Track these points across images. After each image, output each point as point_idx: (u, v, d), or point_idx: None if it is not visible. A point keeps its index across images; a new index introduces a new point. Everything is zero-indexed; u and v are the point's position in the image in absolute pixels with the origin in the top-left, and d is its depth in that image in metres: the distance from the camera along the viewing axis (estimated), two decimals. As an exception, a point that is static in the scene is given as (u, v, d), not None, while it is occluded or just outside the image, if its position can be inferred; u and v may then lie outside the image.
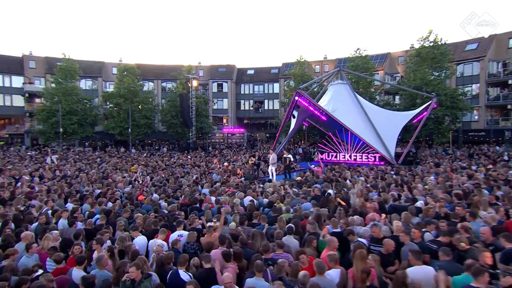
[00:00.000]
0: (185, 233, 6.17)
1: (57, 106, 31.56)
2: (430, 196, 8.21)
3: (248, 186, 10.52)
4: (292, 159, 16.13)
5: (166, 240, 6.03)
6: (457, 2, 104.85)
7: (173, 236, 6.16)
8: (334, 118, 18.52)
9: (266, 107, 47.56)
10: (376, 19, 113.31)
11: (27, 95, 37.90)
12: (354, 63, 31.29)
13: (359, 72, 28.37)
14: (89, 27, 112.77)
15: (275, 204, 8.35)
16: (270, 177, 14.88)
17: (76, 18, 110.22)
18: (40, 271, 4.76)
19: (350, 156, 20.60)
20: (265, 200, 8.90)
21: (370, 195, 9.18)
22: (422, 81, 25.59)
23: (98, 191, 10.35)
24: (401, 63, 38.29)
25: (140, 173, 13.44)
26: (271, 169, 14.98)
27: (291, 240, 5.79)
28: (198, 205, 8.44)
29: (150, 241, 5.90)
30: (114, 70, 42.12)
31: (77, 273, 4.71)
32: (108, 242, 5.83)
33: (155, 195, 9.42)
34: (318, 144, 24.76)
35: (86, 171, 15.54)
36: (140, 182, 12.05)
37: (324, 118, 19.14)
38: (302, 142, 35.92)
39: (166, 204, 8.74)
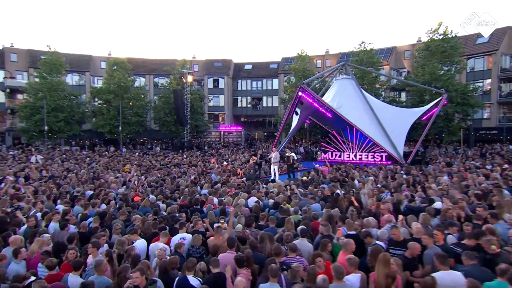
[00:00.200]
0: (188, 236, 6.12)
1: (41, 103, 31.22)
2: (446, 197, 8.18)
3: (252, 187, 10.49)
4: (295, 158, 16.08)
5: (168, 243, 5.97)
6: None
7: (175, 239, 6.10)
8: (340, 115, 18.49)
9: (264, 104, 47.56)
10: (381, 10, 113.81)
11: (8, 90, 37.37)
12: (358, 57, 31.31)
13: (365, 67, 28.32)
14: (76, 18, 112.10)
15: (281, 205, 8.34)
16: (273, 176, 14.86)
17: (61, 7, 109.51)
18: (33, 278, 4.63)
19: (355, 156, 20.62)
20: (271, 201, 8.84)
21: (383, 196, 9.13)
22: (431, 76, 25.63)
23: (89, 192, 10.23)
24: (408, 57, 38.41)
25: (135, 173, 13.34)
26: (273, 168, 14.93)
27: (304, 243, 5.72)
28: (199, 206, 8.40)
29: (151, 244, 5.84)
30: (103, 64, 41.88)
31: (73, 279, 4.60)
32: (105, 246, 5.77)
33: (152, 196, 9.36)
34: (321, 143, 24.75)
35: (75, 171, 15.38)
36: (135, 182, 11.94)
37: (329, 115, 19.09)
38: (303, 141, 35.91)
39: (165, 205, 8.70)
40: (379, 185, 11.30)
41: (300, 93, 17.48)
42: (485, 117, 31.77)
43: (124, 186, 11.35)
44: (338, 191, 10.02)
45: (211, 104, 45.53)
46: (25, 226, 6.93)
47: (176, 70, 36.57)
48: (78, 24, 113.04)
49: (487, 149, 23.33)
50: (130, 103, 35.85)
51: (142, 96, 37.42)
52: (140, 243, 5.85)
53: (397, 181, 11.51)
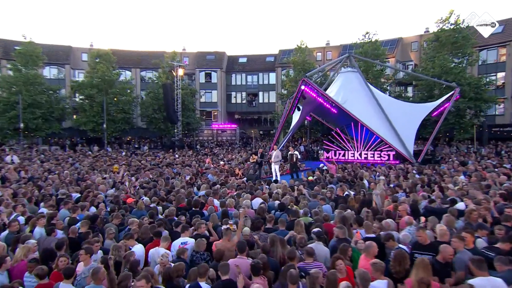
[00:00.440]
0: (190, 240, 6.08)
1: (16, 98, 30.72)
2: (468, 197, 8.19)
3: (255, 187, 10.46)
4: (299, 157, 16.02)
5: (168, 249, 5.90)
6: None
7: (176, 244, 6.06)
8: (346, 111, 18.44)
9: (260, 100, 47.56)
10: None
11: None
12: (362, 49, 31.33)
13: (371, 59, 28.34)
14: (53, 5, 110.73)
15: (288, 207, 8.37)
16: (274, 177, 14.83)
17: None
18: (20, 289, 4.47)
19: (360, 155, 20.65)
20: (276, 203, 8.83)
21: (398, 196, 9.11)
22: (441, 69, 25.73)
23: (76, 194, 10.08)
24: (415, 49, 38.63)
25: (125, 174, 13.24)
26: (274, 168, 14.88)
27: (320, 247, 5.66)
28: (199, 208, 8.35)
29: (151, 250, 5.77)
30: (84, 56, 41.58)
31: (66, 289, 4.43)
32: (99, 253, 5.70)
33: (146, 198, 9.26)
34: (324, 141, 24.75)
35: (57, 172, 15.16)
36: (126, 183, 11.82)
37: (334, 110, 19.04)
38: (303, 139, 35.93)
39: (161, 208, 8.67)
40: (391, 185, 11.35)
41: (302, 87, 17.39)
42: (498, 113, 32.05)
43: (114, 188, 11.21)
44: (347, 191, 10.05)
45: (203, 100, 45.34)
46: (7, 231, 6.77)
47: (166, 63, 36.31)
48: (56, 12, 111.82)
49: (502, 147, 23.53)
50: (115, 99, 35.52)
51: (128, 91, 37.11)
52: (138, 249, 5.77)
53: (411, 181, 11.52)
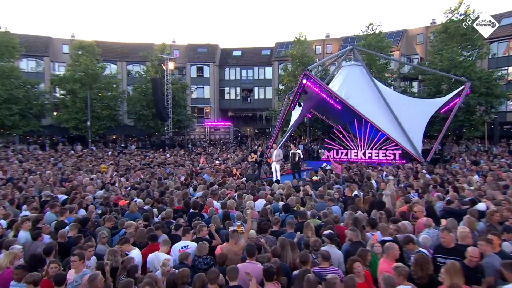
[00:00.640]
0: (191, 244, 6.07)
1: (-10, 92, 30.28)
2: (487, 198, 8.23)
3: (257, 188, 10.45)
4: (301, 156, 15.99)
5: (168, 253, 5.89)
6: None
7: (176, 248, 6.05)
8: (351, 107, 18.42)
9: (256, 96, 47.60)
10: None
11: None
12: (366, 41, 31.34)
13: (377, 52, 28.34)
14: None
15: (294, 208, 8.39)
16: (274, 177, 14.82)
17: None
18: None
19: (364, 154, 20.70)
20: (281, 204, 8.82)
21: (411, 197, 9.13)
22: (450, 62, 25.84)
23: (62, 196, 9.94)
24: (421, 42, 38.82)
25: (114, 174, 13.18)
26: (275, 167, 14.87)
27: (333, 251, 5.60)
28: (198, 210, 8.32)
29: (150, 255, 5.74)
30: (65, 48, 41.33)
31: (57, 296, 4.33)
32: (93, 259, 5.66)
33: (139, 200, 9.17)
34: (325, 140, 24.77)
35: (38, 172, 14.97)
36: (116, 184, 11.74)
37: (338, 106, 19.02)
38: (302, 138, 35.93)
39: (156, 210, 8.64)
40: (402, 185, 11.38)
41: (304, 81, 17.31)
42: (509, 109, 32.31)
43: (103, 189, 11.10)
44: (356, 192, 10.05)
45: (194, 96, 45.19)
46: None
47: (154, 56, 36.06)
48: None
49: (514, 146, 23.72)
50: (100, 94, 35.16)
51: (114, 85, 36.78)
52: (135, 254, 5.71)
53: (423, 181, 11.56)
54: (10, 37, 32.58)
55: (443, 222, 6.40)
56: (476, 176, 12.18)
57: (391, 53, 35.47)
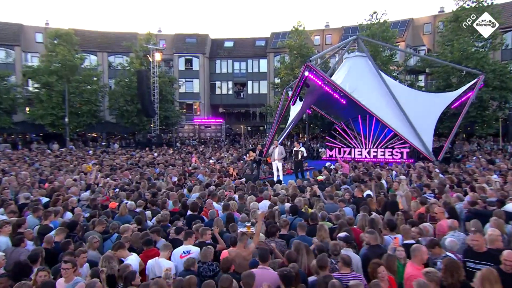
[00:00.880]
0: (194, 249, 6.04)
1: (-45, 86, 29.95)
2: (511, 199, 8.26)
3: (260, 188, 10.49)
4: (305, 154, 15.96)
5: (168, 259, 5.85)
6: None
7: (176, 253, 6.00)
8: (358, 102, 18.40)
9: (249, 91, 47.63)
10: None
11: None
12: (370, 31, 31.38)
13: (383, 42, 28.36)
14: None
15: (302, 210, 8.38)
16: (275, 176, 14.72)
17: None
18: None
19: (368, 152, 20.77)
20: (286, 205, 8.80)
21: (428, 197, 9.17)
22: (461, 54, 25.95)
23: (43, 198, 9.76)
24: (428, 32, 39.05)
25: (99, 175, 13.10)
26: (277, 166, 14.81)
27: (351, 255, 5.53)
28: (196, 212, 8.29)
29: (149, 261, 5.67)
30: (39, 37, 41.14)
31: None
32: (85, 266, 5.61)
33: (130, 202, 9.07)
34: (326, 138, 24.77)
35: (13, 173, 14.71)
36: (100, 185, 11.63)
37: (343, 101, 19.01)
38: (300, 135, 35.93)
39: (150, 212, 8.63)
40: (415, 185, 11.42)
41: (306, 73, 17.22)
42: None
43: (89, 190, 10.97)
44: (368, 192, 10.05)
45: (182, 90, 45.02)
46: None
47: (139, 46, 35.83)
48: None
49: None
50: (79, 88, 34.86)
51: (95, 78, 36.74)
52: (132, 260, 5.63)
53: (438, 180, 11.60)
54: (-24, 25, 32.27)
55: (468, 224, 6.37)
56: (495, 176, 12.26)
57: (397, 43, 35.62)
